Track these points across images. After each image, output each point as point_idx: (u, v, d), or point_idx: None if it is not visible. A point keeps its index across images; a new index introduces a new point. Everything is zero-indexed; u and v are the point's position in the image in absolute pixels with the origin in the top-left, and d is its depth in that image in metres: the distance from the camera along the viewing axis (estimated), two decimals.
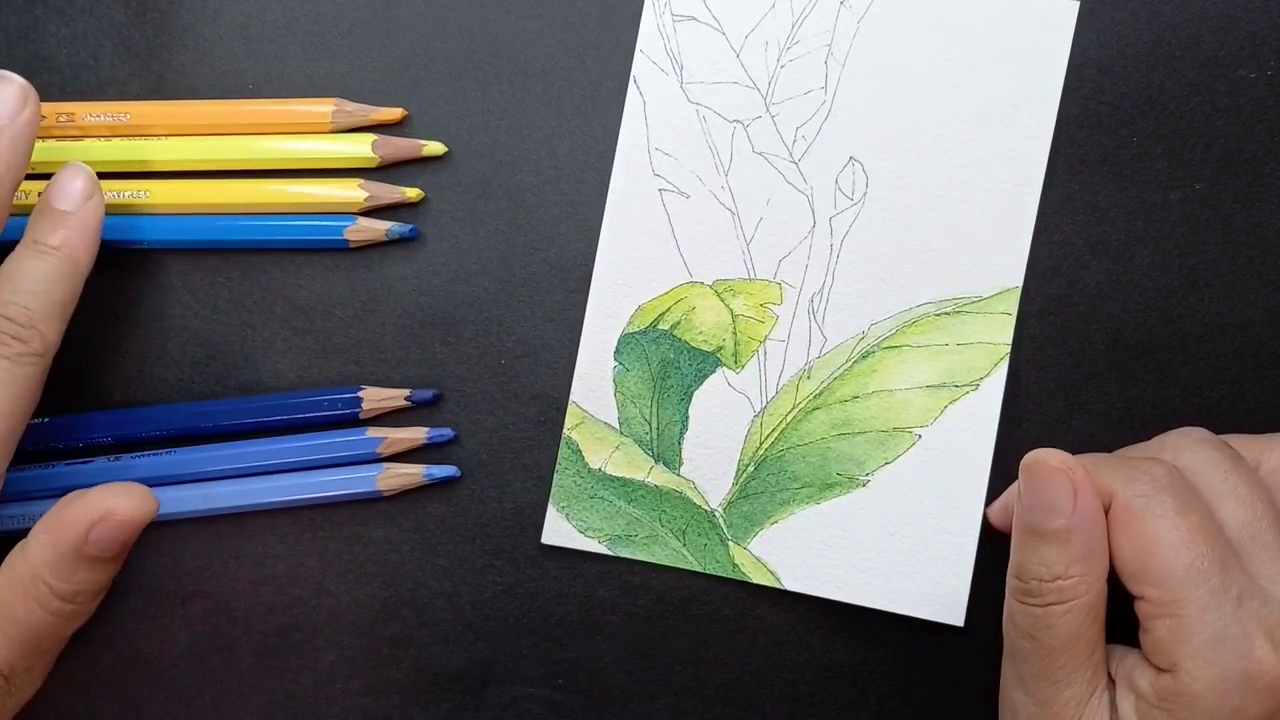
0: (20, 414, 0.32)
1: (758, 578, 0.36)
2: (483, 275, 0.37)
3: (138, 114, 0.36)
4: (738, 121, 0.36)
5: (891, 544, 0.36)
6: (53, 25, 0.37)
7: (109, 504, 0.31)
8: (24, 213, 0.34)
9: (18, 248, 0.33)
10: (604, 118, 0.37)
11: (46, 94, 0.37)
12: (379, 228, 0.36)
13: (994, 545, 0.35)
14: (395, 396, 0.36)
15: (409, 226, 0.36)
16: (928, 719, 0.37)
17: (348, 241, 0.36)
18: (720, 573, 0.36)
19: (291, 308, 0.37)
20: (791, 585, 0.36)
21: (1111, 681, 0.31)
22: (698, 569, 0.37)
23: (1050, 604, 0.30)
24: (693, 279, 0.37)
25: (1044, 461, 0.31)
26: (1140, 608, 0.30)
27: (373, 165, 0.36)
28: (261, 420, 0.36)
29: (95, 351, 0.36)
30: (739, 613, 0.37)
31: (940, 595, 0.36)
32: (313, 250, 0.37)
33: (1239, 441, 0.33)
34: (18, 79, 0.32)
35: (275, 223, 0.36)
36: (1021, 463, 0.32)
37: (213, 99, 0.37)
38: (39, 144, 0.36)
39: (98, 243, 0.33)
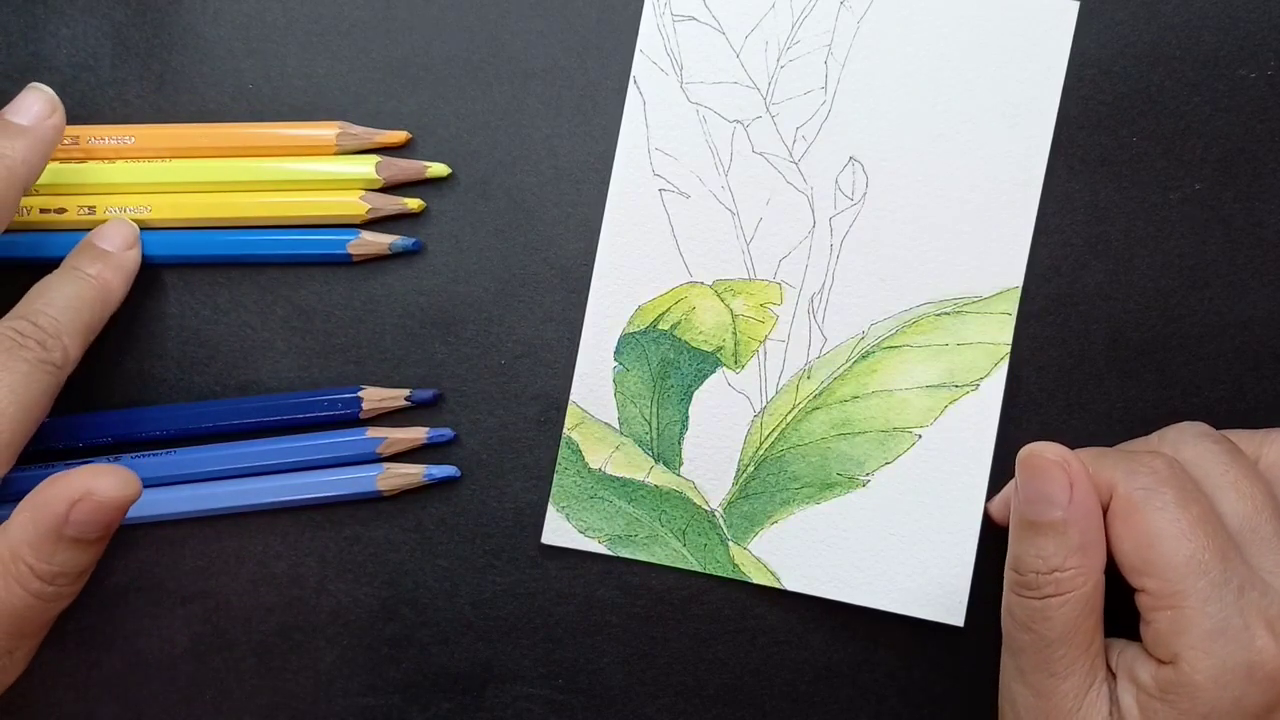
0: (32, 419, 0.32)
1: (758, 578, 0.36)
2: (483, 276, 0.37)
3: (142, 136, 0.36)
4: (738, 121, 0.36)
5: (891, 544, 0.36)
6: (53, 25, 0.37)
7: (90, 484, 0.31)
8: (23, 228, 0.36)
9: (56, 271, 0.35)
10: (604, 118, 0.37)
11: None
12: (382, 241, 0.36)
13: (994, 545, 0.35)
14: (395, 396, 0.36)
15: (412, 240, 0.36)
16: (928, 719, 0.37)
17: (351, 256, 0.36)
18: (720, 573, 0.36)
19: (291, 308, 0.37)
20: (791, 585, 0.36)
21: (1112, 674, 0.31)
22: (698, 569, 0.37)
23: (1048, 596, 0.30)
24: (693, 279, 0.37)
25: (1040, 454, 0.31)
26: (1141, 600, 0.30)
27: (376, 187, 0.36)
28: (261, 420, 0.36)
29: (95, 351, 0.36)
30: (739, 613, 0.37)
31: (940, 595, 0.36)
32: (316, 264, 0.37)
33: (1238, 436, 0.33)
34: (48, 90, 0.34)
35: (278, 238, 0.36)
36: (1018, 456, 0.32)
37: (213, 100, 0.37)
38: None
39: (129, 285, 0.36)
